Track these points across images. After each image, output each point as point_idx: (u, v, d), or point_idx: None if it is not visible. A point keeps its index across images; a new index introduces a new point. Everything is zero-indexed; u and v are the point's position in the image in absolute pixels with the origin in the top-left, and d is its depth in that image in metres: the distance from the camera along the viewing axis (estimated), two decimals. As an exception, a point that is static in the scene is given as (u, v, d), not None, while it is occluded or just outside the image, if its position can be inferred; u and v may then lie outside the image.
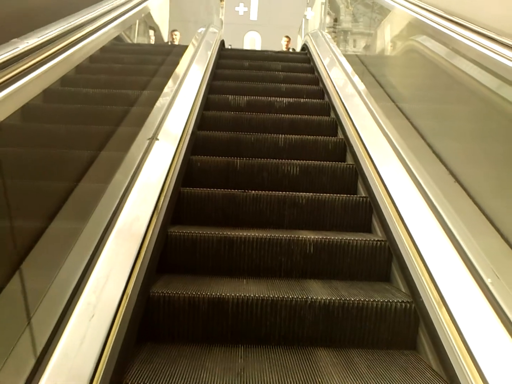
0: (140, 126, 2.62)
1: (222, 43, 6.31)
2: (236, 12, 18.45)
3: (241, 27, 17.98)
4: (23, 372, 1.10)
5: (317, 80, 4.72)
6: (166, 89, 3.35)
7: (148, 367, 1.54)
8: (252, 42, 18.89)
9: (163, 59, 4.24)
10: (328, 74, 4.34)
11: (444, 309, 1.52)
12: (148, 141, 2.48)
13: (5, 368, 1.08)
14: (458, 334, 1.40)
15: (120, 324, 1.45)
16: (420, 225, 1.95)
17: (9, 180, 1.37)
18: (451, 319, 1.46)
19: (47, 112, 1.90)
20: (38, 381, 1.09)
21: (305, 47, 6.21)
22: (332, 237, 2.18)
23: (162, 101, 3.09)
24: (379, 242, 2.17)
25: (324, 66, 4.66)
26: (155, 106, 3.00)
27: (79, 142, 2.01)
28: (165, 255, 2.14)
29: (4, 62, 1.33)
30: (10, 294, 1.23)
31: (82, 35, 1.96)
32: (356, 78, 3.83)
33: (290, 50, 9.38)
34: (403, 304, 1.80)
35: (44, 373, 1.11)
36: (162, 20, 5.14)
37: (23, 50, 1.43)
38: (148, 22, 4.33)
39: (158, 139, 2.54)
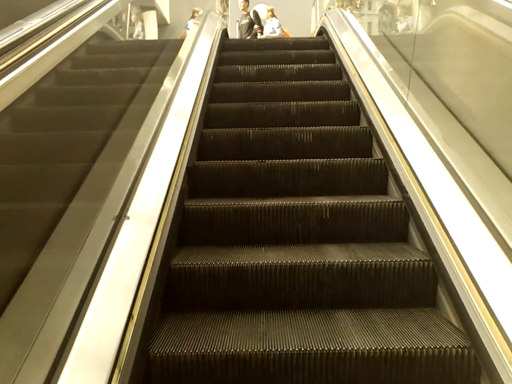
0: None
1: (225, 32, 5.55)
2: (244, -17, 17.92)
3: (250, -1, 17.43)
4: (53, 346, 1.14)
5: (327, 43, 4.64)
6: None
7: (173, 336, 1.59)
8: (260, 15, 18.31)
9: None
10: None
11: (461, 264, 1.52)
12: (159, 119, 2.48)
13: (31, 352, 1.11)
14: (476, 288, 1.41)
15: (143, 297, 1.50)
16: (435, 184, 1.94)
17: None
18: (468, 274, 1.47)
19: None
20: (70, 350, 1.13)
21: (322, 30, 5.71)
22: (348, 201, 2.18)
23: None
24: (395, 203, 2.16)
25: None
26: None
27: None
28: (184, 229, 2.18)
29: (11, 44, 1.34)
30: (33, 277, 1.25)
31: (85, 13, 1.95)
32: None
33: (251, 14, 8.56)
34: (421, 262, 1.80)
35: (73, 346, 1.16)
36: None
37: (28, 31, 1.44)
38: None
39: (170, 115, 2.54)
